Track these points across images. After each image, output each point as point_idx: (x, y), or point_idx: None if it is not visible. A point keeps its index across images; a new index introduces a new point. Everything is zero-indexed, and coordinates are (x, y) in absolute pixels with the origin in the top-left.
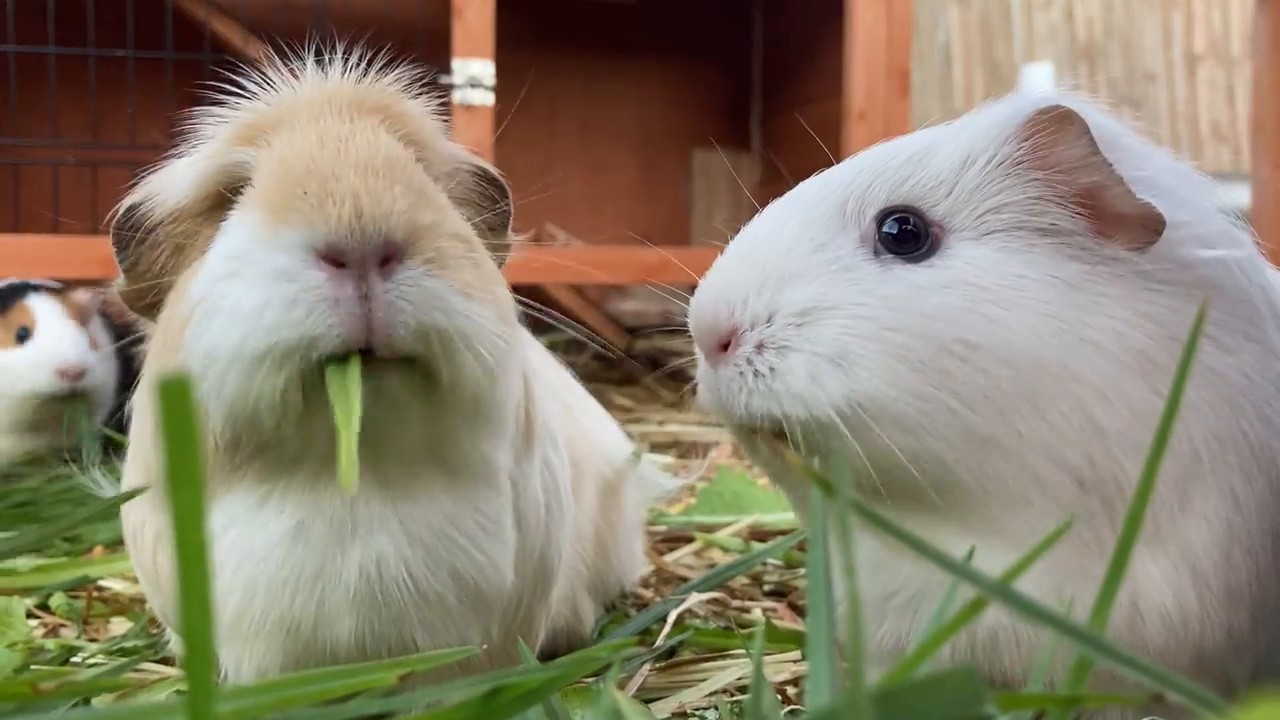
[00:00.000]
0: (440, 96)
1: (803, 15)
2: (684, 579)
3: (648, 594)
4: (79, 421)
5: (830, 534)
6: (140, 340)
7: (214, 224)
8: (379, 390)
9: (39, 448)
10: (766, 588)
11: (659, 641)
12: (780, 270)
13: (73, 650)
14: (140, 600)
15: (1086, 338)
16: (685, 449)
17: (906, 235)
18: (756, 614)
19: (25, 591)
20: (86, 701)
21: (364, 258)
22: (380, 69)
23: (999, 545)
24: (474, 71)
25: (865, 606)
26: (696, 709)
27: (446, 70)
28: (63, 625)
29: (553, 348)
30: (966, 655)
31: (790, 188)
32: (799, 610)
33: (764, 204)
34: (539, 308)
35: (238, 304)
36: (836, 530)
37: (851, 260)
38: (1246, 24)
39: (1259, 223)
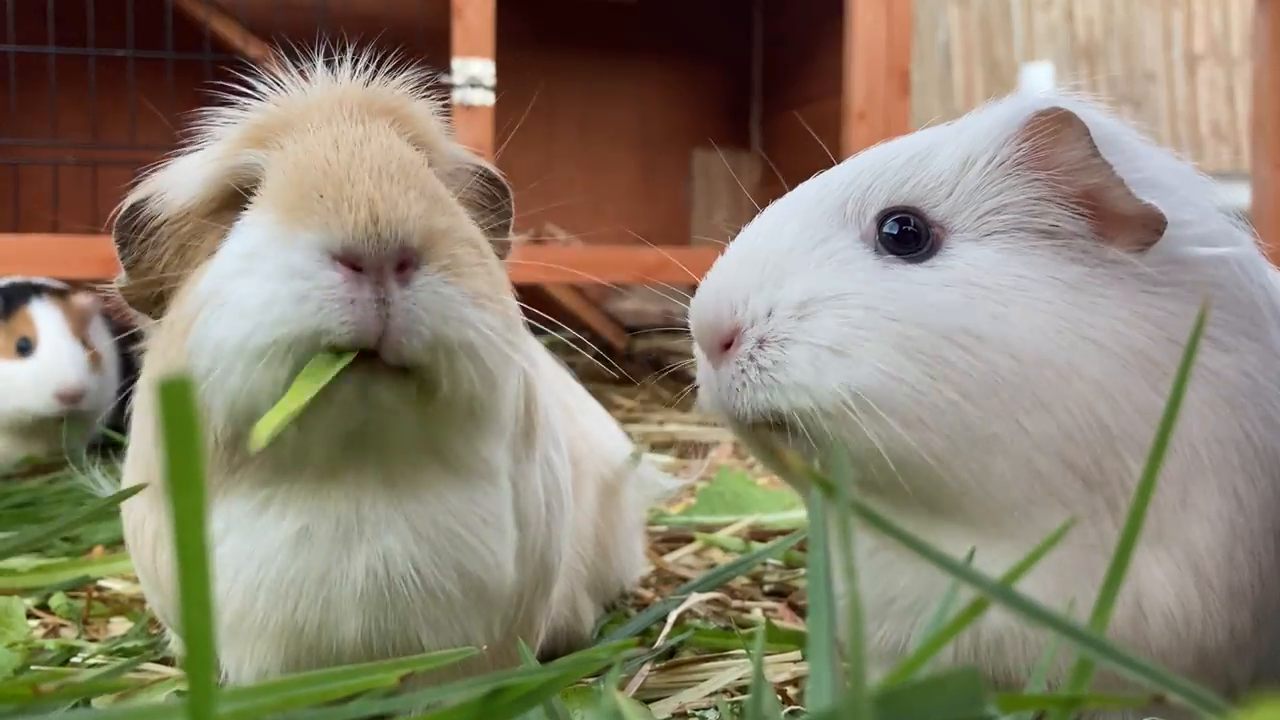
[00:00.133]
0: (441, 97)
1: (803, 15)
2: (684, 579)
3: (648, 594)
4: (74, 439)
5: (831, 535)
6: (140, 339)
7: (220, 225)
8: (370, 395)
9: (37, 453)
10: (767, 588)
11: (659, 642)
12: (780, 269)
13: (73, 650)
14: (140, 600)
15: (1088, 336)
16: (685, 449)
17: (907, 236)
18: (757, 614)
19: (25, 591)
20: (87, 703)
21: (381, 263)
22: (387, 71)
23: (1002, 545)
24: (474, 71)
25: (866, 608)
26: (697, 709)
27: (447, 70)
28: (63, 625)
29: (552, 348)
30: (970, 656)
31: (788, 188)
32: (799, 610)
33: (764, 204)
34: (537, 313)
35: (247, 298)
36: (837, 531)
37: (850, 254)
38: (1246, 24)
39: (1259, 222)
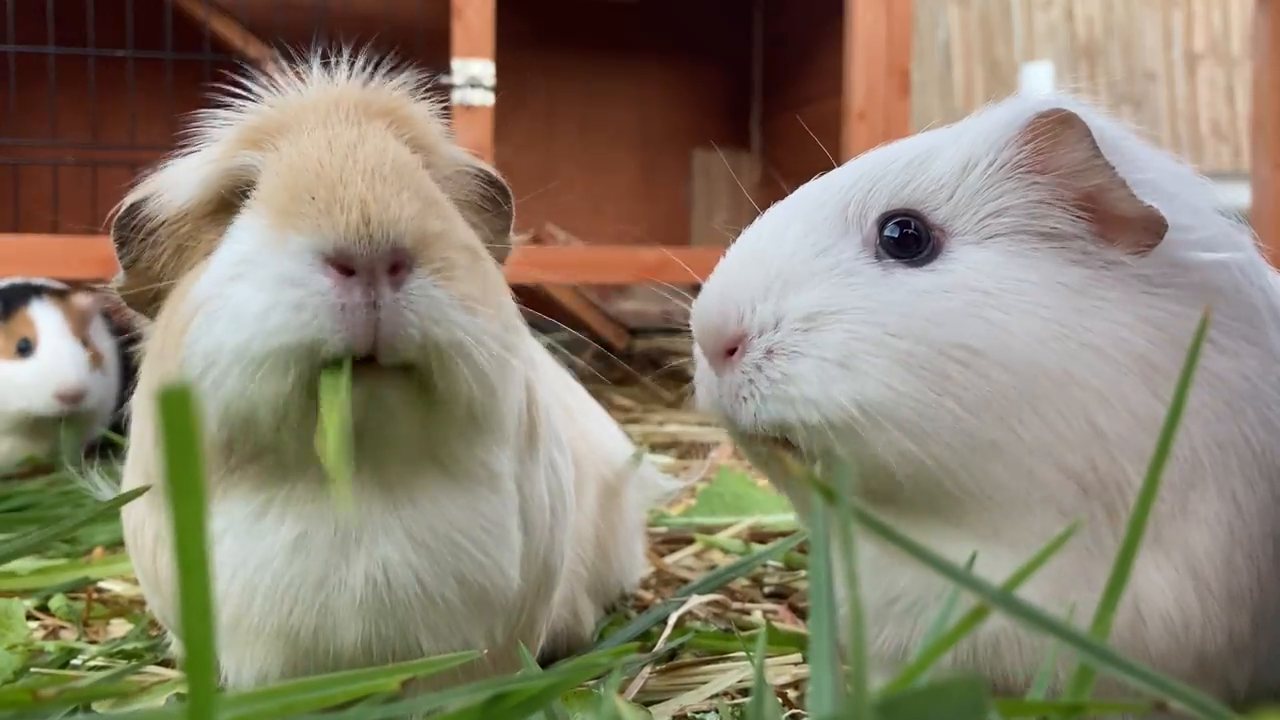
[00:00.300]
0: (440, 97)
1: (803, 15)
2: (684, 581)
3: (648, 596)
4: (74, 440)
5: (832, 541)
6: (139, 339)
7: (217, 226)
8: (376, 397)
9: (38, 453)
10: (767, 589)
11: (659, 644)
12: (785, 275)
13: (73, 652)
14: (140, 602)
15: (1087, 342)
16: (685, 450)
17: (908, 239)
18: (757, 616)
19: (25, 593)
20: (87, 708)
21: (373, 264)
22: (386, 72)
23: (1002, 550)
24: (474, 71)
25: (867, 612)
26: (697, 712)
27: (446, 71)
28: (63, 627)
29: (552, 348)
30: (968, 659)
31: (787, 189)
32: (800, 612)
33: (764, 204)
34: (536, 314)
35: (243, 306)
36: (839, 538)
37: (854, 264)
38: (1246, 24)
39: (1259, 223)
